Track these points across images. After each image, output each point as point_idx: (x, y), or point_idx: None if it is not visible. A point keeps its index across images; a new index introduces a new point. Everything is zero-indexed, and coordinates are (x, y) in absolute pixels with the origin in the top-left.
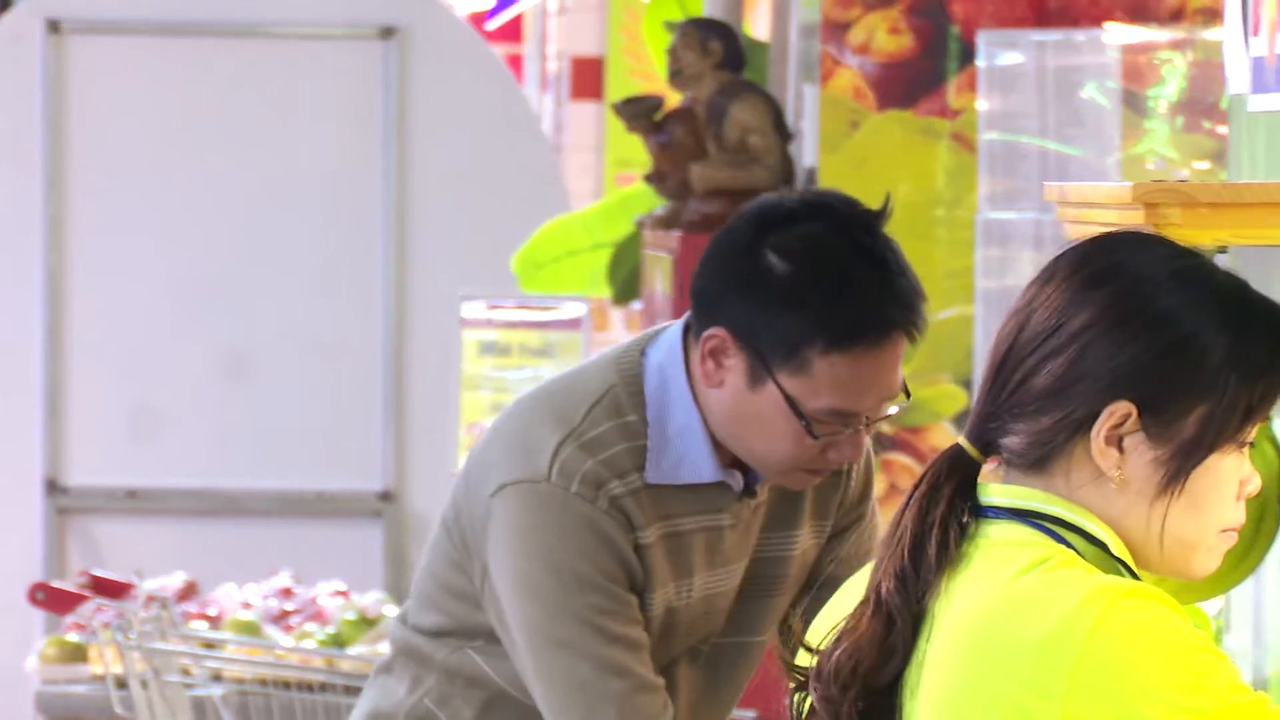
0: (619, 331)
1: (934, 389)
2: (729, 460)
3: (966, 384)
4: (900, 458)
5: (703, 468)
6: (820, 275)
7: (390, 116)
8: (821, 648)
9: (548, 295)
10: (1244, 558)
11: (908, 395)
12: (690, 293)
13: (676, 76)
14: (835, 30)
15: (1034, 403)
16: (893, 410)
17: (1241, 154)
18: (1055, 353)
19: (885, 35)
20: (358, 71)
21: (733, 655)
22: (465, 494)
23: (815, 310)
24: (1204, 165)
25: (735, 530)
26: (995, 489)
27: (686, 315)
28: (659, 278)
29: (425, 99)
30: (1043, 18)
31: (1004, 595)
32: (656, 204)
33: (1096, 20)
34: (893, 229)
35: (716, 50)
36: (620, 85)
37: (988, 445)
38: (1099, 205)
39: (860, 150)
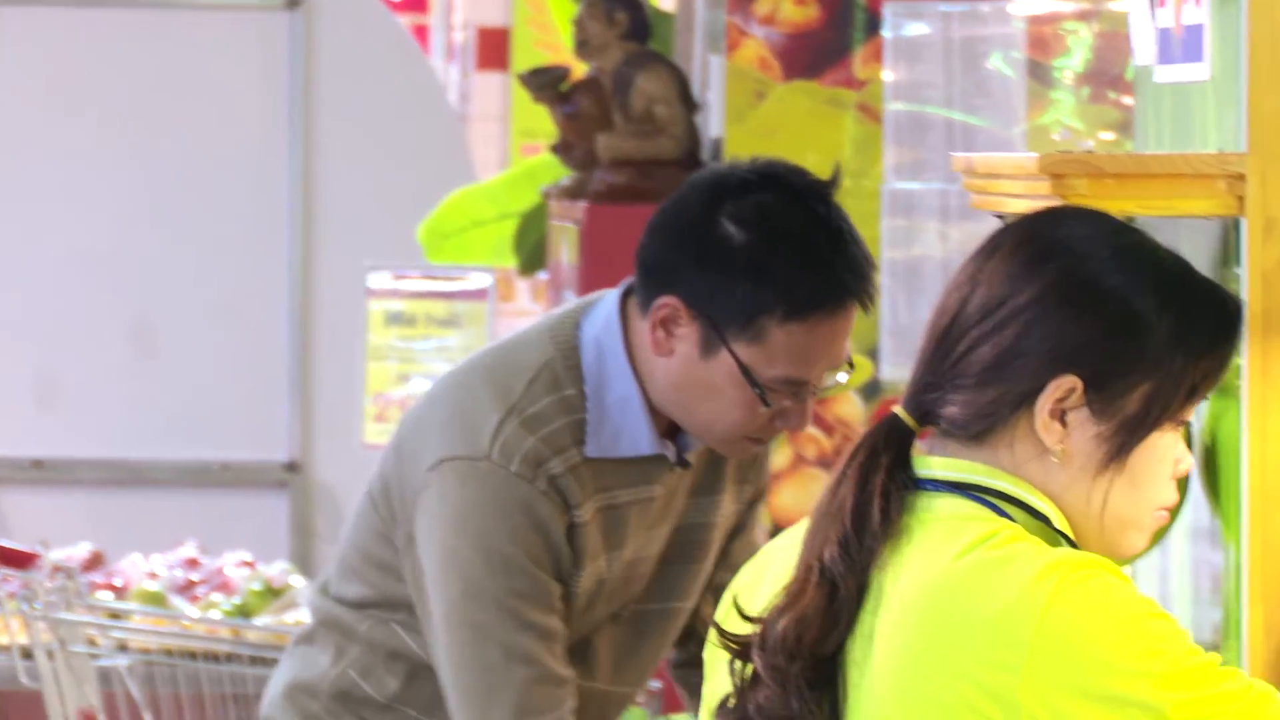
0: (525, 302)
1: None
2: (664, 431)
3: (872, 354)
4: (808, 429)
5: (641, 440)
6: (778, 244)
7: (296, 87)
8: (761, 615)
9: (453, 266)
10: None
11: (851, 366)
12: (638, 263)
13: (582, 47)
14: (741, 1)
15: (978, 375)
16: (841, 378)
17: (1147, 125)
18: (1001, 325)
19: (791, 6)
20: (263, 42)
21: (656, 620)
22: (397, 465)
23: (774, 279)
24: (1109, 136)
25: (665, 499)
26: (935, 461)
27: (622, 284)
28: (565, 248)
29: (331, 70)
30: None
31: (955, 570)
32: (562, 174)
33: None
34: None
35: (622, 21)
36: (526, 56)
37: (925, 416)
38: (1005, 176)
39: (766, 121)
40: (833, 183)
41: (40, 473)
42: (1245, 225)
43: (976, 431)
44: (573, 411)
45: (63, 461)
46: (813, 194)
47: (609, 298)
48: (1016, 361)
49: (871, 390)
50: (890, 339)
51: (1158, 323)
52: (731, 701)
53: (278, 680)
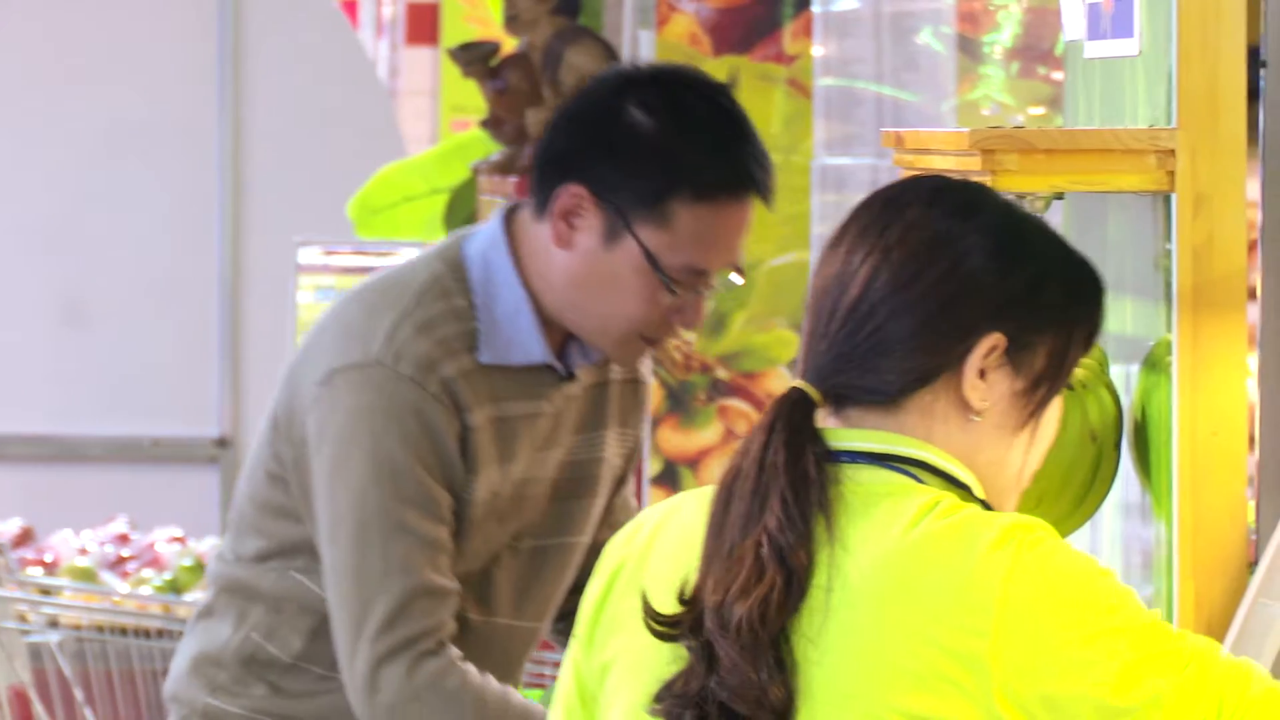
0: None
1: (769, 334)
2: (554, 344)
3: (800, 329)
4: (737, 403)
5: (533, 349)
6: (687, 128)
7: (226, 61)
8: (694, 597)
9: (384, 241)
10: (1081, 502)
11: (742, 272)
12: (536, 162)
13: (512, 22)
14: None
15: (905, 342)
16: (736, 280)
17: (1077, 100)
18: (928, 291)
19: None
20: (193, 15)
21: (553, 555)
22: (286, 392)
23: (683, 161)
24: (1039, 111)
25: (552, 419)
26: (848, 433)
27: (502, 207)
28: None
29: (260, 44)
30: None
31: (910, 542)
32: (493, 150)
33: None
34: None
35: None
36: (456, 30)
37: (835, 390)
38: (935, 151)
39: None
40: (732, 85)
41: None
42: (1175, 200)
43: (889, 399)
44: (464, 320)
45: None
46: (717, 88)
47: (491, 220)
48: (946, 324)
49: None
50: None
51: (1060, 277)
52: (681, 685)
53: (181, 657)
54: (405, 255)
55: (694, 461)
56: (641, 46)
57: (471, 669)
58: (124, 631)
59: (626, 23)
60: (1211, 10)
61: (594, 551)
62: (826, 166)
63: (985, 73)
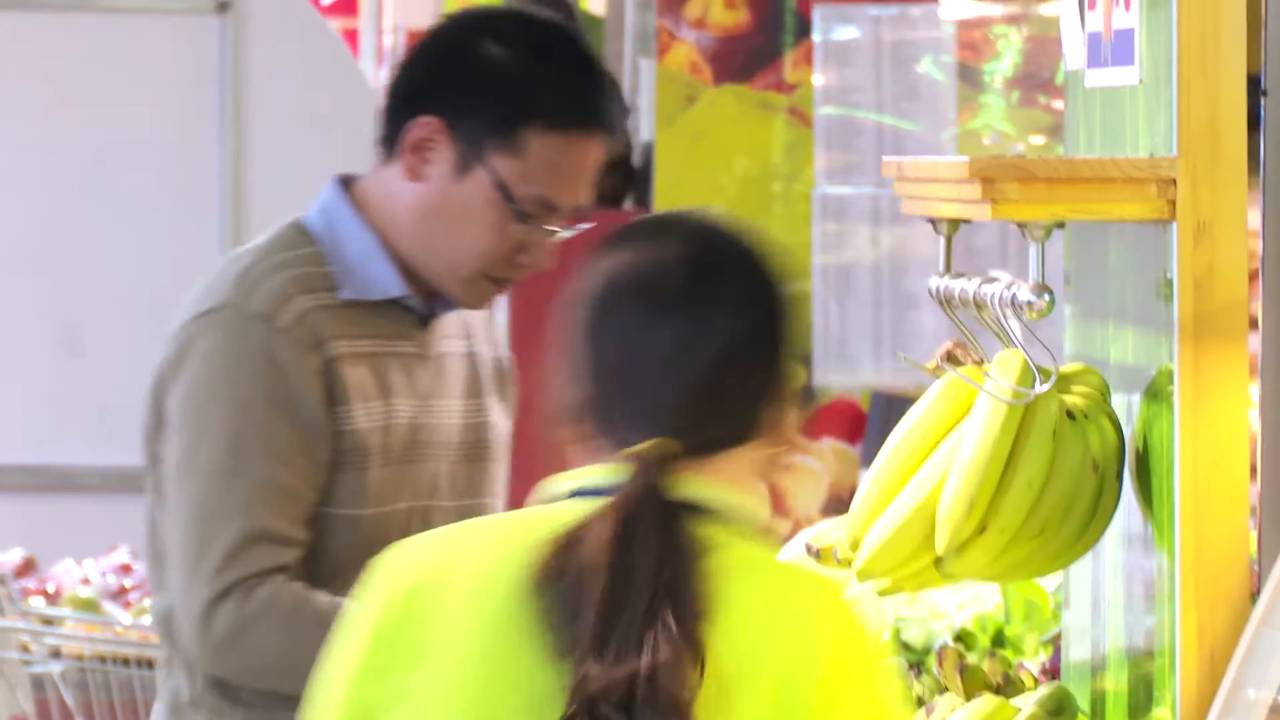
0: None
1: None
2: (412, 286)
3: (804, 359)
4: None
5: (389, 284)
6: (542, 58)
7: (226, 90)
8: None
9: None
10: (1083, 532)
11: (583, 224)
12: (387, 99)
13: None
14: (671, 4)
15: (745, 397)
16: (583, 226)
17: (1078, 129)
18: (752, 356)
19: (721, 9)
20: (194, 46)
21: (469, 516)
22: (157, 365)
23: (537, 90)
24: (1040, 140)
25: (426, 364)
26: (688, 486)
27: (335, 175)
28: None
29: (261, 72)
30: None
31: (766, 596)
32: None
33: None
34: (730, 203)
35: None
36: None
37: (686, 450)
38: (936, 180)
39: (697, 124)
40: (579, 26)
41: None
42: (1176, 229)
43: (713, 453)
44: (318, 264)
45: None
46: (569, 27)
47: (324, 189)
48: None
49: (804, 397)
50: (822, 343)
51: None
52: None
53: (156, 713)
54: None
55: None
56: (642, 75)
57: (301, 587)
58: (126, 662)
59: (627, 51)
60: (1211, 39)
61: None
62: (827, 195)
63: (986, 102)
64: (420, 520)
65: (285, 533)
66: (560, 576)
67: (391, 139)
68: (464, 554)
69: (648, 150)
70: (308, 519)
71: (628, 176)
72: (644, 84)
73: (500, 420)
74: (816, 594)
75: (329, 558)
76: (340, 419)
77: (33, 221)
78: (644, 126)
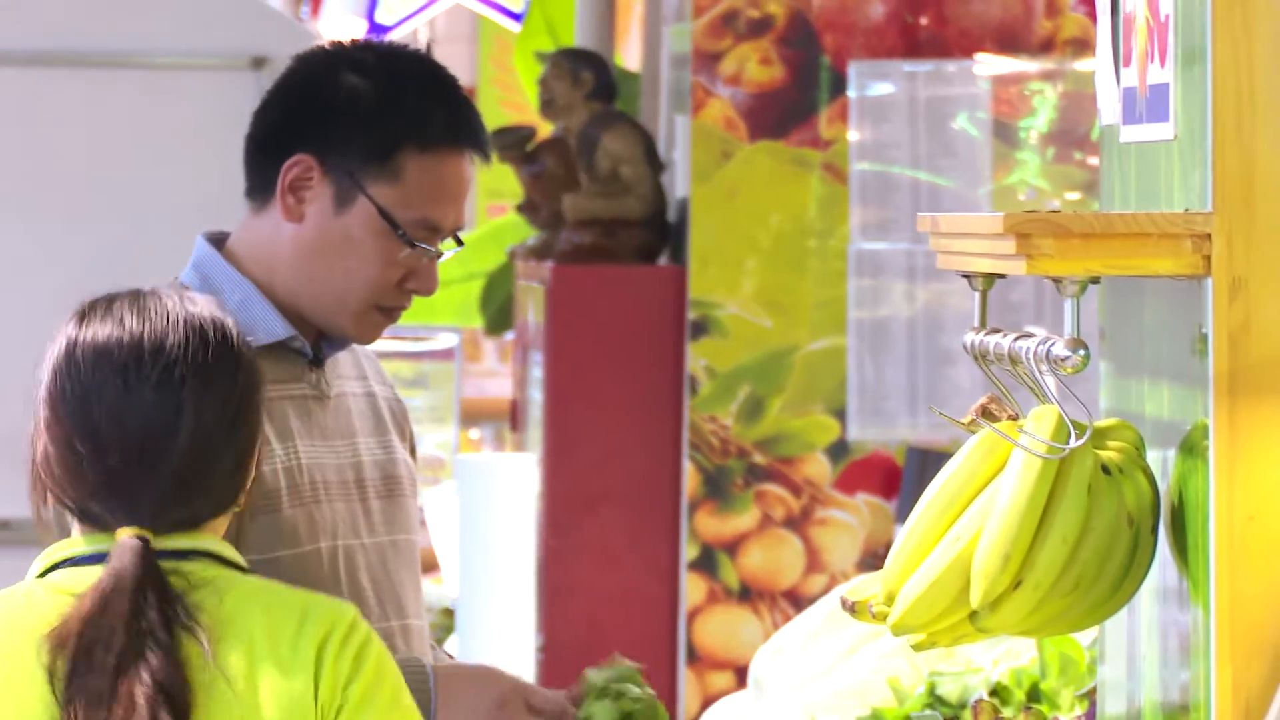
0: (492, 362)
1: (806, 419)
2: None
3: (839, 414)
4: (774, 488)
5: (274, 325)
6: (405, 83)
7: None
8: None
9: (421, 326)
10: (1118, 587)
11: (460, 243)
12: (249, 145)
13: (548, 107)
14: (707, 60)
15: (227, 471)
16: (455, 250)
17: (1113, 185)
18: (232, 430)
19: (757, 66)
20: (229, 102)
21: (399, 552)
22: None
23: (406, 114)
24: (1075, 196)
25: (324, 404)
26: (175, 540)
27: (203, 233)
28: (531, 308)
29: None
30: (914, 48)
31: (261, 627)
32: (529, 234)
33: (967, 51)
34: (765, 259)
35: (588, 80)
36: (492, 115)
37: (173, 524)
38: (971, 235)
39: (732, 180)
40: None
41: (8, 533)
42: (1211, 285)
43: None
44: None
45: (27, 521)
46: (422, 53)
47: (195, 247)
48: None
49: (839, 450)
50: (857, 398)
51: None
52: None
53: None
54: (443, 340)
55: (731, 546)
56: (677, 131)
57: None
58: None
59: (663, 108)
60: (1247, 94)
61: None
62: (862, 251)
63: (1021, 158)
64: (346, 559)
65: None
66: (61, 641)
67: (259, 187)
68: None
69: (683, 206)
70: None
71: (663, 233)
72: (680, 140)
73: (407, 457)
74: (318, 618)
75: None
76: None
77: (68, 277)
78: (679, 182)
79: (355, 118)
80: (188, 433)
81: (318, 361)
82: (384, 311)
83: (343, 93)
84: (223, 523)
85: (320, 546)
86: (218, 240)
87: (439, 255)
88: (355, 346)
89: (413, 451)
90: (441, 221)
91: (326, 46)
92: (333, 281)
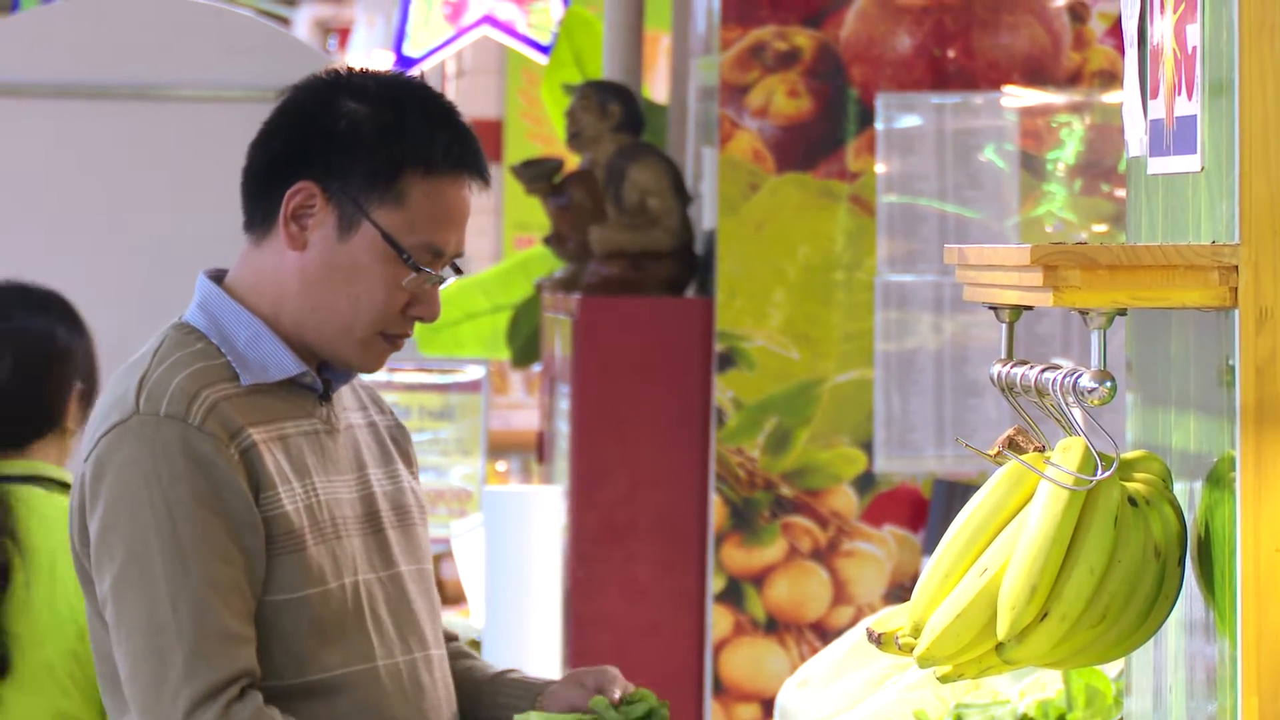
0: (519, 395)
1: (833, 451)
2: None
3: (866, 446)
4: (801, 520)
5: (285, 362)
6: (405, 108)
7: None
8: None
9: (447, 358)
10: (1145, 618)
11: (459, 271)
12: (247, 177)
13: (575, 139)
14: (734, 93)
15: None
16: (459, 274)
17: (1140, 217)
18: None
19: (784, 98)
20: (254, 133)
21: (414, 582)
22: (71, 499)
23: (408, 138)
24: (1103, 228)
25: (335, 438)
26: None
27: (204, 271)
28: (559, 340)
29: None
30: (941, 80)
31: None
32: (556, 266)
33: (995, 83)
34: (793, 291)
35: (615, 113)
36: (519, 148)
37: None
38: (999, 267)
39: (759, 212)
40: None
41: None
42: (1238, 316)
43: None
44: (211, 357)
45: None
46: (420, 80)
47: (197, 286)
48: None
49: (865, 483)
50: (884, 430)
51: None
52: None
53: None
54: (470, 372)
55: (758, 578)
56: (705, 163)
57: (278, 713)
58: None
59: (690, 140)
60: (1275, 126)
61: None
62: (889, 283)
63: (1048, 190)
64: (366, 594)
65: (240, 630)
66: None
67: (259, 218)
68: None
69: (710, 238)
70: (252, 613)
71: (690, 265)
72: (707, 172)
73: (414, 485)
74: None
75: (284, 646)
76: (267, 505)
77: (98, 311)
78: (707, 214)
79: (358, 143)
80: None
81: (326, 396)
82: (388, 339)
83: (344, 119)
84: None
85: (344, 583)
86: (218, 277)
87: (442, 280)
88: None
89: (415, 475)
90: (445, 246)
91: (323, 75)
92: (338, 309)
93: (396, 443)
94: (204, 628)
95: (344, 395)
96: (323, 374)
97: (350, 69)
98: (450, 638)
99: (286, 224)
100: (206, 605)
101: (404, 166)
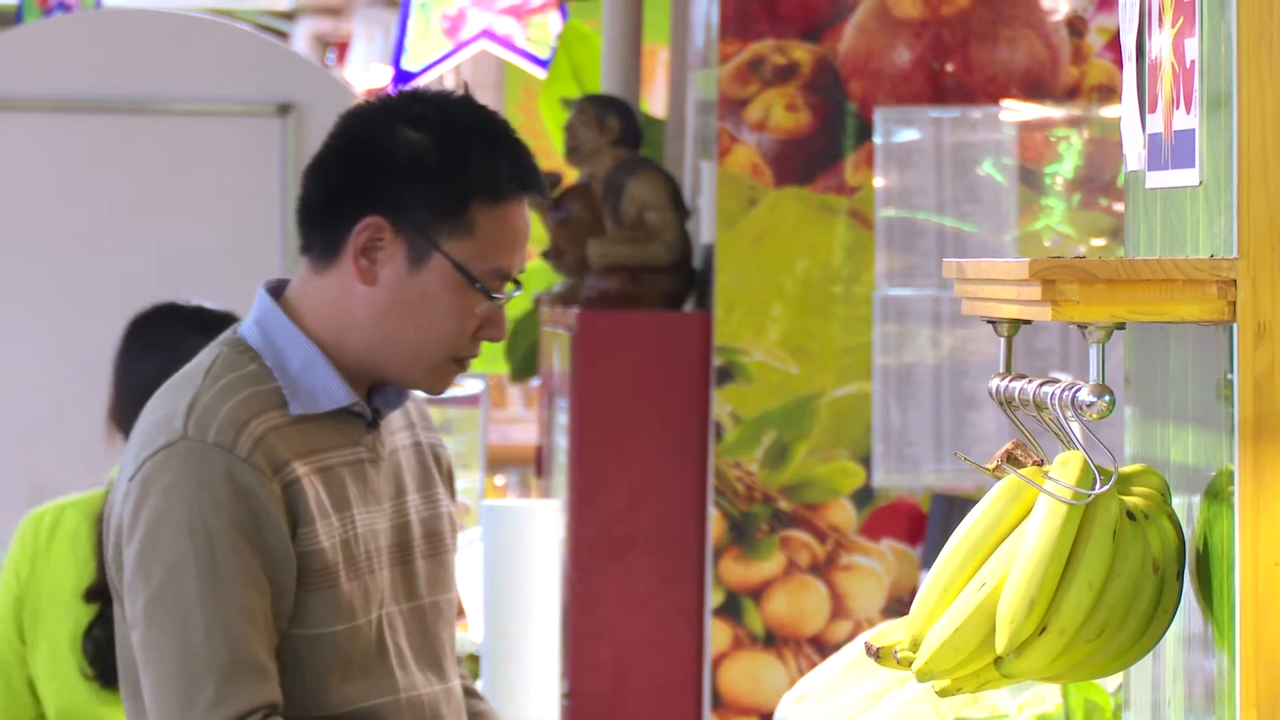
0: (517, 408)
1: (831, 465)
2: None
3: (864, 461)
4: (799, 534)
5: (336, 392)
6: (465, 136)
7: (287, 193)
8: None
9: None
10: (1143, 633)
11: (519, 285)
12: (308, 206)
13: (573, 153)
14: (732, 107)
15: None
16: (516, 293)
17: (1138, 231)
18: None
19: (782, 112)
20: (255, 148)
21: (437, 613)
22: (109, 514)
23: (472, 167)
24: (1101, 242)
25: (379, 466)
26: None
27: (265, 283)
28: (557, 354)
29: None
30: (939, 95)
31: None
32: (554, 280)
33: (993, 97)
34: (791, 305)
35: (614, 127)
36: None
37: None
38: (997, 281)
39: (758, 226)
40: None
41: None
42: (1237, 330)
43: None
44: (262, 382)
45: None
46: (471, 99)
47: (258, 297)
48: None
49: (864, 497)
50: (882, 444)
51: None
52: None
53: None
54: (468, 386)
55: (756, 593)
56: (703, 177)
57: None
58: None
59: (688, 154)
60: (1273, 140)
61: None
62: (888, 297)
63: (1047, 204)
64: (389, 627)
65: (267, 662)
66: None
67: (322, 247)
68: None
69: (708, 252)
70: (275, 645)
71: (689, 279)
72: (705, 186)
73: (450, 508)
74: None
75: (308, 678)
76: (304, 540)
77: (97, 325)
78: (705, 228)
79: (423, 176)
80: None
81: (374, 423)
82: (458, 362)
83: (405, 151)
84: None
85: (371, 618)
86: (277, 289)
87: (507, 301)
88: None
89: (453, 493)
90: (511, 268)
91: (375, 101)
92: (408, 339)
93: (438, 461)
94: (235, 656)
95: (392, 416)
96: (374, 399)
97: (402, 92)
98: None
99: (356, 259)
100: (239, 634)
101: (471, 197)
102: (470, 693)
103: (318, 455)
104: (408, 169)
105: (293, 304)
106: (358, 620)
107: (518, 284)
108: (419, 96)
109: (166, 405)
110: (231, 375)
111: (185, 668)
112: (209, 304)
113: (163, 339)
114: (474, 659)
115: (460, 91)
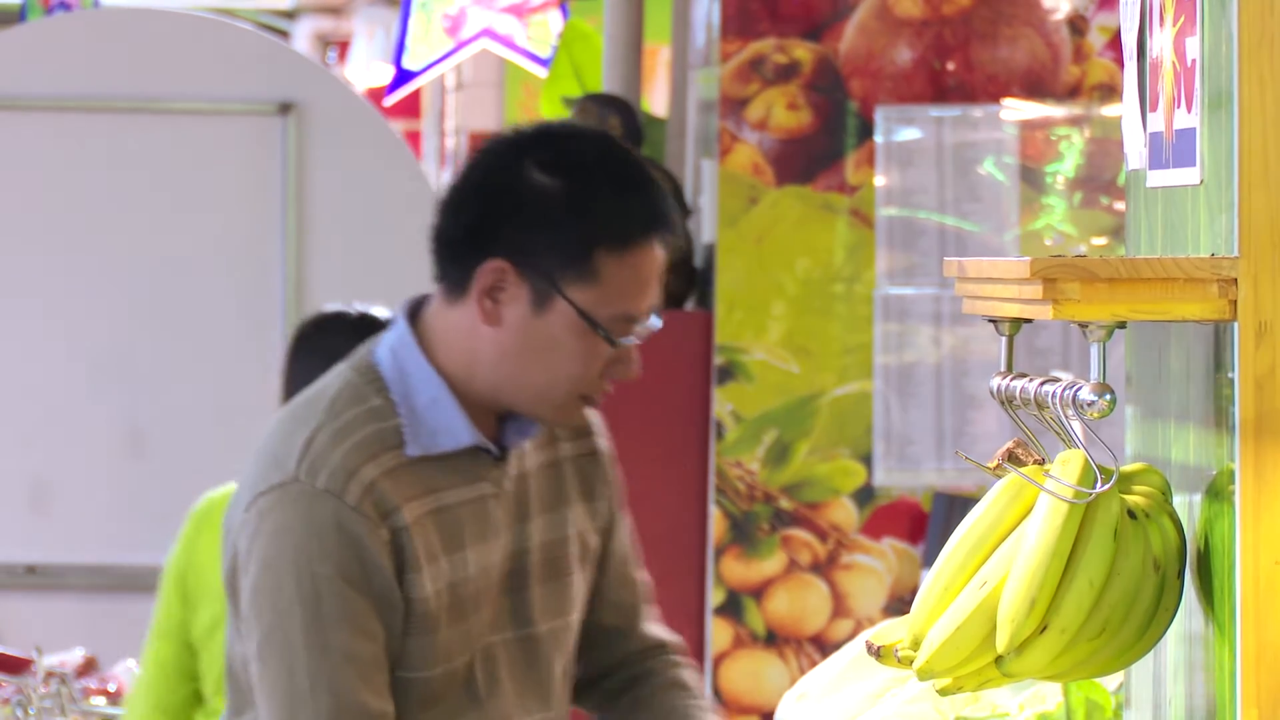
0: None
1: (833, 464)
2: (487, 428)
3: (865, 459)
4: (800, 533)
5: (460, 433)
6: (593, 180)
7: (288, 191)
8: None
9: None
10: (1144, 631)
11: (659, 319)
12: (439, 244)
13: None
14: (734, 106)
15: None
16: (656, 324)
17: (1139, 230)
18: None
19: (784, 111)
20: (256, 147)
21: (545, 641)
22: (226, 531)
23: (599, 213)
24: (1102, 241)
25: (499, 500)
26: None
27: (403, 304)
28: None
29: (323, 174)
30: (941, 94)
31: None
32: None
33: (994, 96)
34: (792, 304)
35: (615, 126)
36: None
37: None
38: (998, 280)
39: (759, 225)
40: (612, 130)
41: (33, 578)
42: (1237, 329)
43: None
44: (384, 419)
45: (56, 567)
46: (604, 135)
47: (395, 320)
48: None
49: (865, 495)
50: (883, 443)
51: None
52: None
53: None
54: None
55: (757, 591)
56: (704, 176)
57: None
58: None
59: (689, 153)
60: (1274, 139)
61: (591, 631)
62: (889, 296)
63: (1048, 203)
64: (486, 659)
65: (375, 706)
66: None
67: (453, 281)
68: None
69: (710, 251)
70: (388, 686)
71: (690, 277)
72: (706, 185)
73: (581, 531)
74: None
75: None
76: (409, 587)
77: (99, 324)
78: (706, 227)
79: (547, 221)
80: None
81: (502, 457)
82: (586, 399)
83: (531, 193)
84: None
85: (468, 658)
86: (415, 309)
87: (638, 341)
88: None
89: (613, 504)
90: (639, 312)
91: (508, 136)
92: (536, 380)
93: (582, 476)
94: (339, 704)
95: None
96: (504, 430)
97: (535, 129)
98: (662, 648)
99: (480, 300)
100: (343, 682)
101: (596, 244)
102: (677, 684)
103: (434, 495)
104: (532, 213)
105: (427, 333)
106: (454, 663)
107: (659, 314)
108: (550, 134)
109: (288, 437)
110: (354, 411)
111: (289, 711)
112: (374, 310)
113: (326, 347)
114: None
115: (598, 130)
